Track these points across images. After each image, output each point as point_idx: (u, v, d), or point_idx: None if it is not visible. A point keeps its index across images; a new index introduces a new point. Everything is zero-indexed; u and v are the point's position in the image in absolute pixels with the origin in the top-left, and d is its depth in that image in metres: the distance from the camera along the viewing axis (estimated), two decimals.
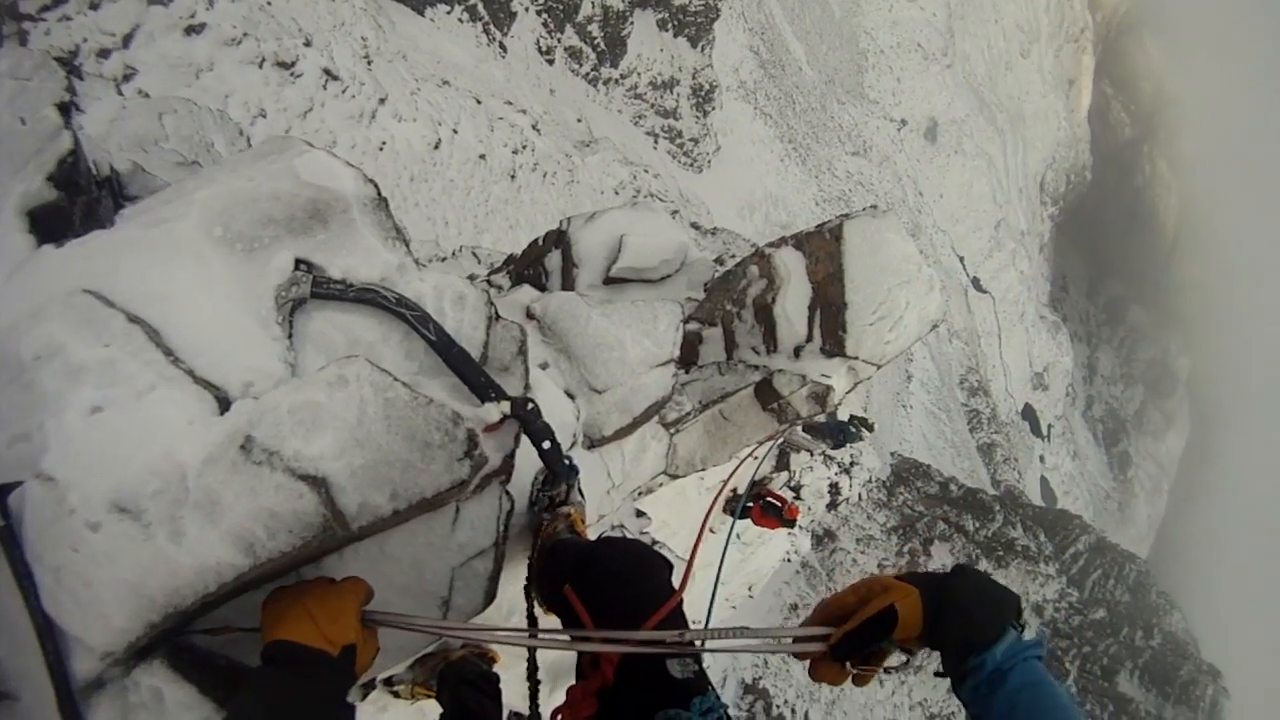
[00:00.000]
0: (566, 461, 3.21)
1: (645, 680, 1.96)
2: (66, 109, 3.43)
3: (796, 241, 5.98)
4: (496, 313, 2.97)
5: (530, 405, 2.66)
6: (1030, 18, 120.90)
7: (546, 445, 2.86)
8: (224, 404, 2.13)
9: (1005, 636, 1.70)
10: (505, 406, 2.56)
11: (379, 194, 2.79)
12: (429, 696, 3.62)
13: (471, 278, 8.69)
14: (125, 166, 3.98)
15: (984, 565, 43.82)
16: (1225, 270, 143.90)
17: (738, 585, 10.33)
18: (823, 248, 5.80)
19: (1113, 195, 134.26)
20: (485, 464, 2.32)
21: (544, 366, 4.01)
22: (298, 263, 2.52)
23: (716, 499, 5.12)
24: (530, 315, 4.22)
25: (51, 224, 2.77)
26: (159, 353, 2.14)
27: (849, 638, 1.81)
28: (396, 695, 3.68)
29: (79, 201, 3.01)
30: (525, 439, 2.79)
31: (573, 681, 2.20)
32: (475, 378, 2.60)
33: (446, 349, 2.60)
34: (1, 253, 2.58)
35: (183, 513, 1.88)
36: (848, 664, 1.83)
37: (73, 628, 1.85)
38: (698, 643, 2.02)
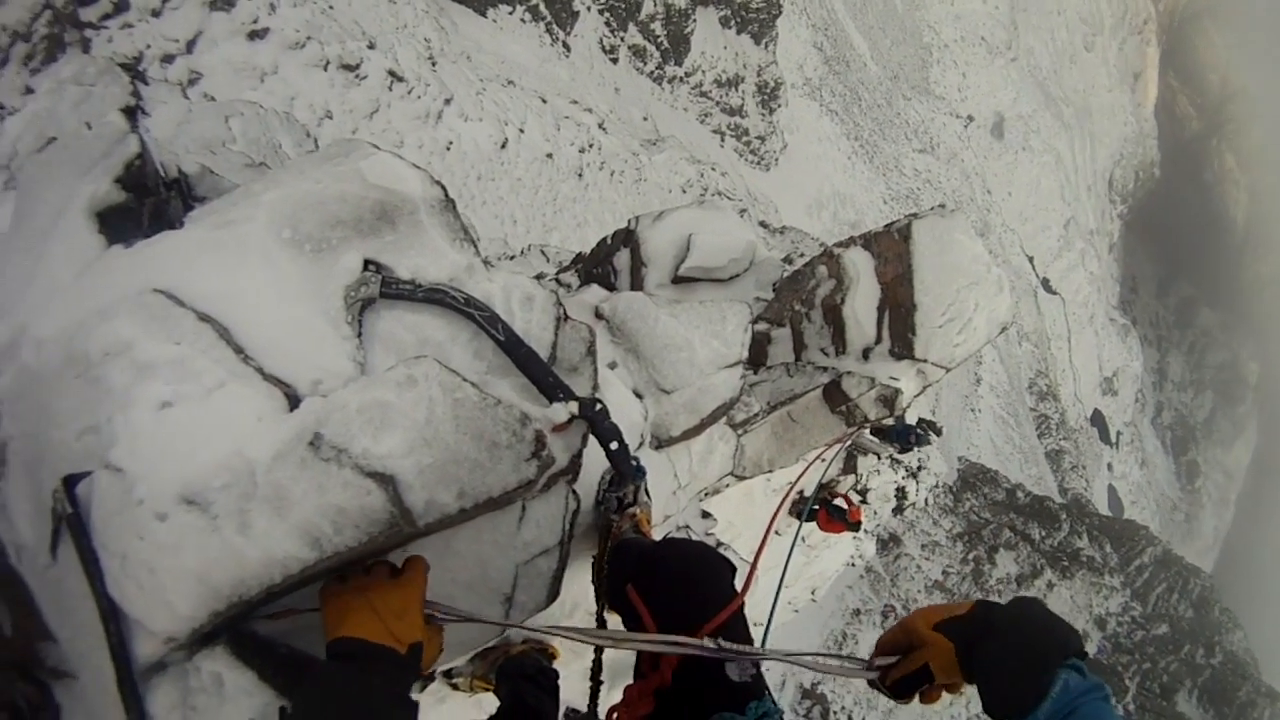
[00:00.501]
0: (634, 463, 3.19)
1: (703, 682, 1.96)
2: (132, 113, 3.47)
3: (865, 241, 5.91)
4: (565, 313, 2.96)
5: (598, 406, 2.64)
6: (1093, 10, 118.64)
7: (614, 446, 2.83)
8: (293, 401, 2.15)
9: (1052, 690, 1.49)
10: (573, 407, 2.54)
11: (446, 195, 2.79)
12: (488, 690, 3.62)
13: (540, 276, 8.74)
14: (193, 169, 4.04)
15: (1049, 575, 43.16)
16: None
17: (801, 589, 10.24)
18: (891, 248, 5.73)
19: (1181, 192, 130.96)
20: (552, 464, 2.30)
21: (612, 366, 4.00)
22: (366, 263, 2.54)
23: (783, 502, 5.06)
24: (599, 315, 4.20)
25: (120, 224, 2.78)
26: (229, 350, 2.16)
27: (893, 685, 1.84)
28: (455, 688, 3.71)
29: (147, 203, 3.04)
30: (593, 439, 2.77)
31: (630, 681, 2.18)
32: (543, 378, 2.59)
33: (515, 349, 2.59)
34: (70, 252, 2.60)
35: (251, 506, 1.90)
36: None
37: (136, 612, 1.88)
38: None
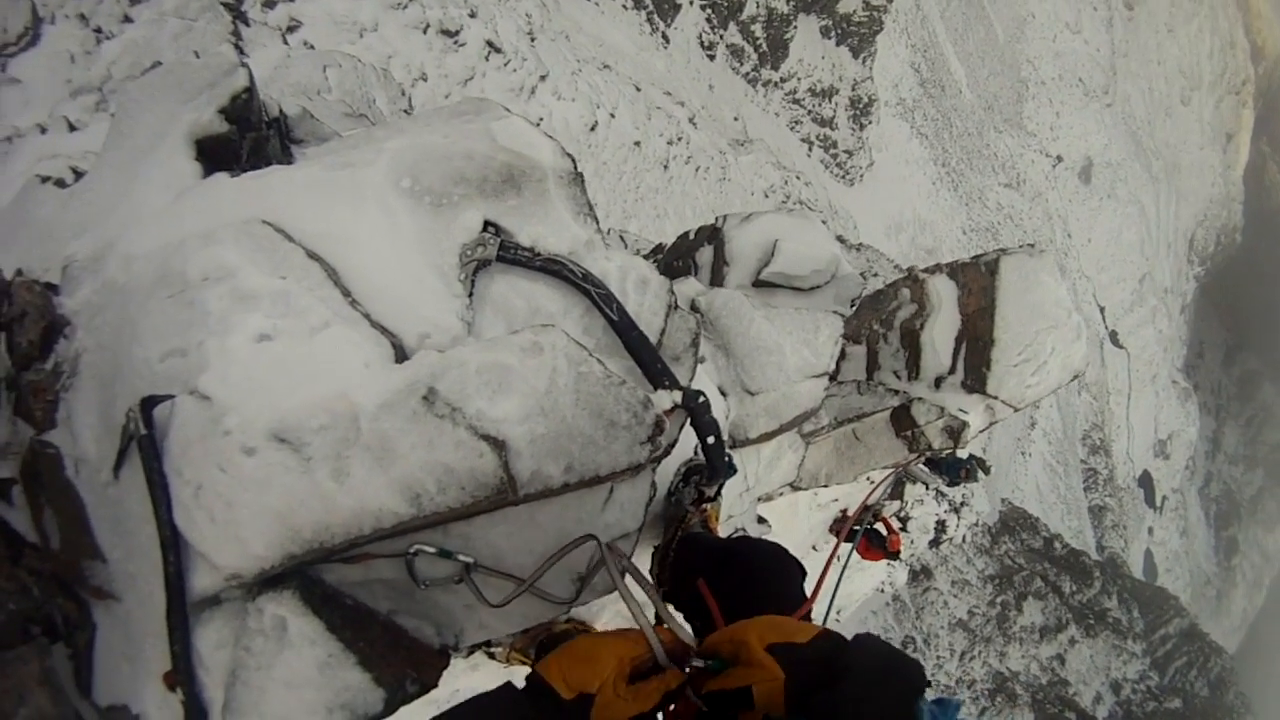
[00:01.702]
0: (726, 459, 3.10)
1: None
2: (238, 49, 3.48)
3: (951, 270, 5.89)
4: (676, 302, 2.92)
5: (700, 398, 2.60)
6: (1193, 64, 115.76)
7: (711, 440, 2.77)
8: (399, 352, 2.11)
9: None
10: (677, 396, 2.53)
11: (575, 169, 2.76)
12: (524, 663, 3.62)
13: None
14: (294, 110, 4.02)
15: (1073, 630, 42.70)
16: None
17: (825, 607, 10.18)
18: (977, 280, 5.71)
19: (1261, 262, 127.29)
20: (662, 450, 2.25)
21: (701, 360, 4.00)
22: (486, 224, 2.51)
23: (849, 525, 4.98)
24: (694, 308, 4.24)
25: (218, 155, 2.77)
26: (336, 291, 2.13)
27: (707, 696, 1.64)
28: (492, 657, 3.70)
29: (248, 137, 3.01)
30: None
31: None
32: (652, 363, 2.56)
33: (627, 330, 2.54)
34: (167, 176, 2.59)
35: (350, 452, 1.84)
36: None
37: (203, 545, 1.82)
38: None
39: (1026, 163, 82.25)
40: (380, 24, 24.83)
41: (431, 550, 2.02)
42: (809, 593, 2.27)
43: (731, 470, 3.24)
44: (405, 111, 11.52)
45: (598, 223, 2.81)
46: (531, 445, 1.99)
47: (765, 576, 2.32)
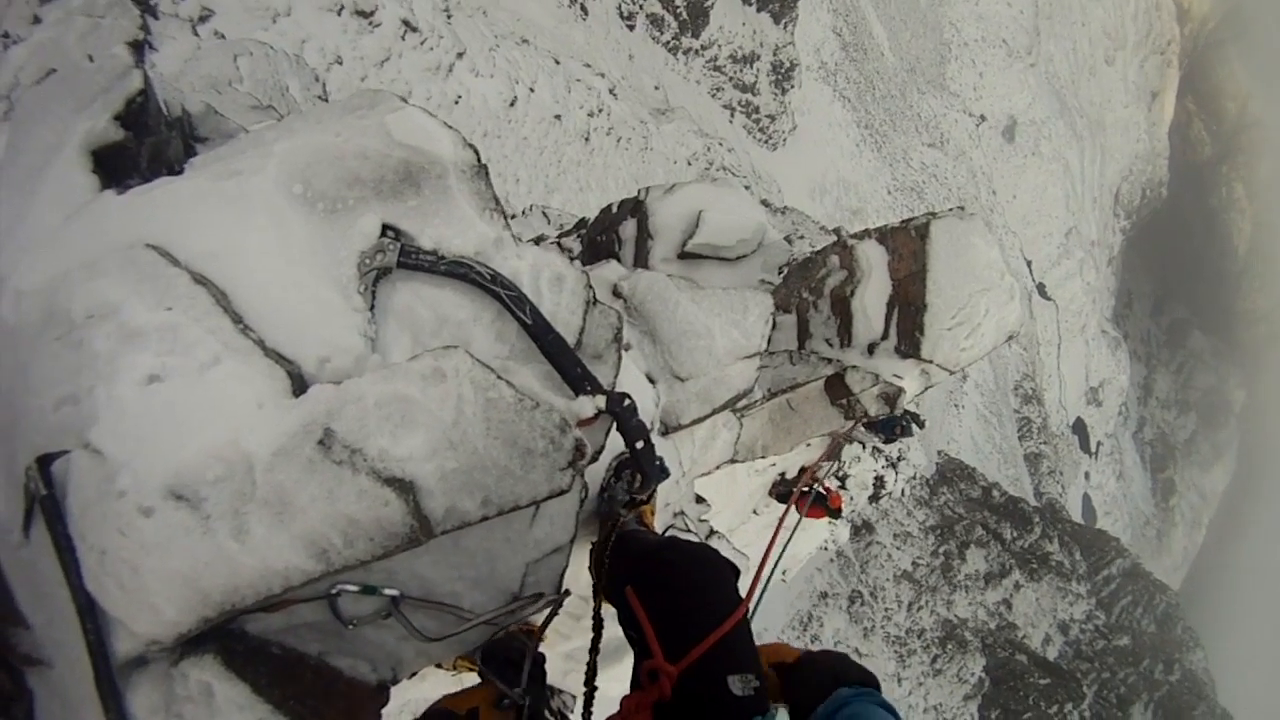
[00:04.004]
0: (658, 463, 3.05)
1: (704, 696, 1.89)
2: (140, 47, 3.35)
3: (880, 236, 5.85)
4: (594, 296, 2.80)
5: (626, 401, 2.53)
6: (1117, 25, 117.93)
7: (640, 445, 2.72)
8: (297, 381, 2.00)
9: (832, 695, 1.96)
10: (600, 401, 2.44)
11: (479, 160, 2.61)
12: (471, 670, 3.56)
13: (541, 238, 8.65)
14: (197, 108, 3.87)
15: (1017, 576, 43.72)
16: None
17: (768, 566, 10.23)
18: (907, 245, 5.67)
19: (1187, 215, 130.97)
20: (584, 471, 2.20)
21: (627, 348, 3.84)
22: (385, 229, 2.37)
23: (785, 513, 4.98)
24: (616, 293, 4.10)
25: (116, 164, 2.62)
26: (226, 319, 2.01)
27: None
28: (438, 665, 3.65)
29: (147, 142, 2.86)
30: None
31: (620, 674, 2.20)
32: (571, 368, 2.45)
33: (543, 334, 2.43)
34: (61, 193, 2.43)
35: (248, 508, 1.76)
36: None
37: (116, 611, 1.76)
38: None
39: (950, 122, 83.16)
40: (293, 8, 24.33)
41: (354, 589, 1.96)
42: (758, 570, 2.65)
43: (664, 474, 3.15)
44: (320, 98, 11.29)
45: (506, 218, 2.66)
46: (442, 482, 1.91)
47: (694, 582, 2.25)
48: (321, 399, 1.90)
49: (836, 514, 7.35)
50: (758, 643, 2.13)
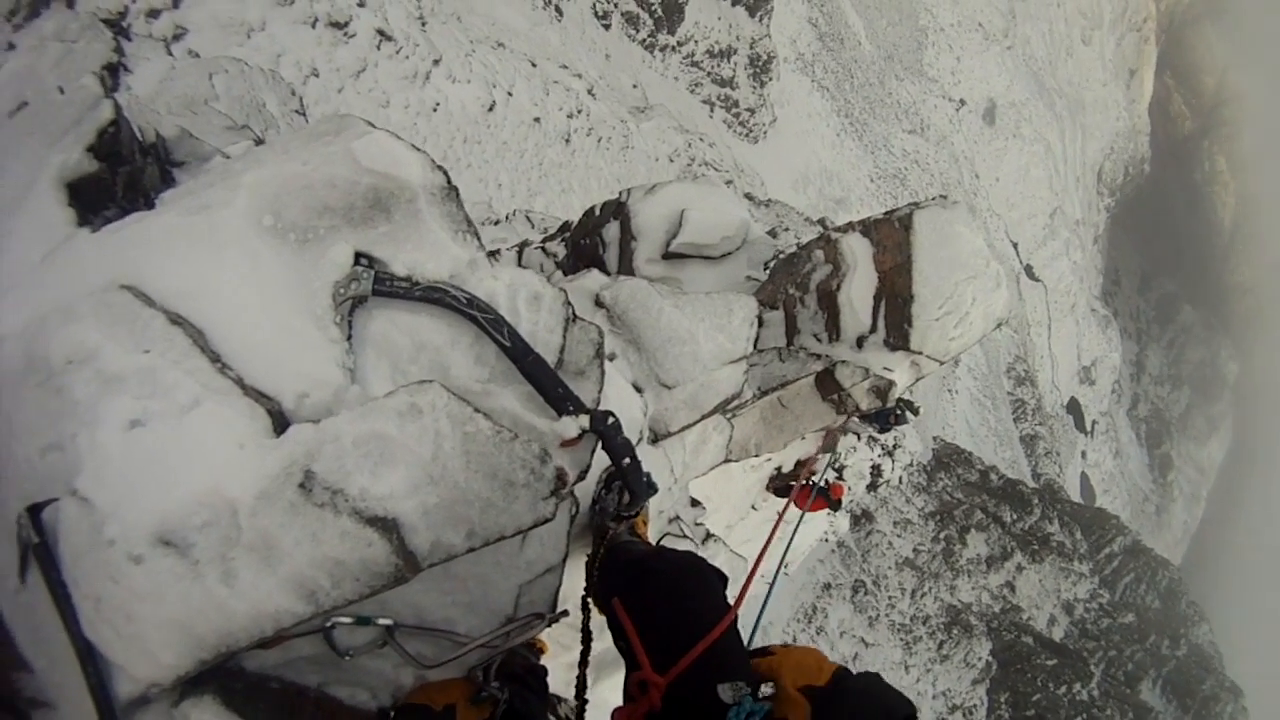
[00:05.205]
0: (645, 479, 3.03)
1: (695, 705, 1.88)
2: (115, 70, 3.30)
3: (864, 228, 5.81)
4: (574, 313, 2.78)
5: (611, 419, 2.51)
6: (1093, 4, 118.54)
7: (627, 463, 2.71)
8: (277, 418, 1.99)
9: None
10: (584, 421, 2.43)
11: (449, 182, 2.59)
12: None
13: (525, 243, 8.60)
14: (172, 132, 3.82)
15: (1019, 558, 43.73)
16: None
17: (773, 562, 10.24)
18: (891, 236, 5.63)
19: (1170, 190, 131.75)
20: (569, 497, 2.20)
21: (611, 358, 3.84)
22: (358, 257, 2.34)
23: (780, 516, 4.97)
24: (598, 303, 4.06)
25: (92, 196, 2.61)
26: (204, 359, 1.99)
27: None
28: None
29: (121, 172, 2.82)
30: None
31: (620, 683, 2.15)
32: (552, 388, 2.43)
33: (522, 356, 2.41)
34: (37, 230, 2.42)
35: (235, 553, 1.77)
36: None
37: (114, 657, 1.77)
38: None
39: (930, 108, 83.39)
40: (268, 22, 24.35)
41: (348, 620, 1.98)
42: (757, 563, 2.61)
43: (652, 490, 3.12)
44: (297, 112, 11.25)
45: (479, 239, 2.64)
46: (426, 518, 1.91)
47: (681, 591, 2.27)
48: (300, 440, 1.89)
49: (837, 505, 7.35)
50: (766, 642, 2.14)
